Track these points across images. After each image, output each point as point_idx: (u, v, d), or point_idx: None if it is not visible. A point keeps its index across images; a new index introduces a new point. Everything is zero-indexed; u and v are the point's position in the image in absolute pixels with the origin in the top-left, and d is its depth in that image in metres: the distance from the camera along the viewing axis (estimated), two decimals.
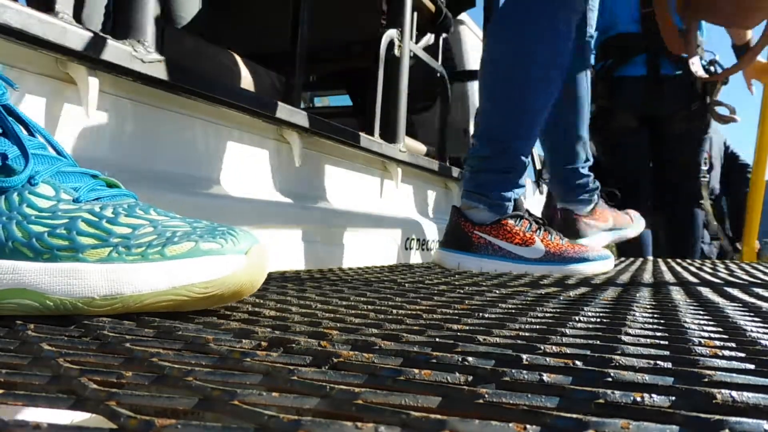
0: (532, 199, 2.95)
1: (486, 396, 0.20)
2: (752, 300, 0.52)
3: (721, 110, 1.72)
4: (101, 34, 0.72)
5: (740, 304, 0.48)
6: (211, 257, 0.34)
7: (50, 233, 0.33)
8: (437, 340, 0.28)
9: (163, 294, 0.33)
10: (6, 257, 0.33)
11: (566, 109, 1.09)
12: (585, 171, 1.14)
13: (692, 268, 1.09)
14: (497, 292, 0.55)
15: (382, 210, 1.30)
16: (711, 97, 1.77)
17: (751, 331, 0.33)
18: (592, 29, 1.10)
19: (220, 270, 0.34)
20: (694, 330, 0.34)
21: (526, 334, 0.31)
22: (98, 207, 0.35)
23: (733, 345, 0.29)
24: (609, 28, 1.89)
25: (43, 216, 0.34)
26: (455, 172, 1.65)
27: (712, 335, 0.32)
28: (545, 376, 0.22)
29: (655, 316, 0.40)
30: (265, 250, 0.37)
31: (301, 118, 1.02)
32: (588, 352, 0.26)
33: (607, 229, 1.19)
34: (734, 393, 0.20)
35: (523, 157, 0.89)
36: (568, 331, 0.32)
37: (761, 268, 1.16)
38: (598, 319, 0.37)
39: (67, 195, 0.35)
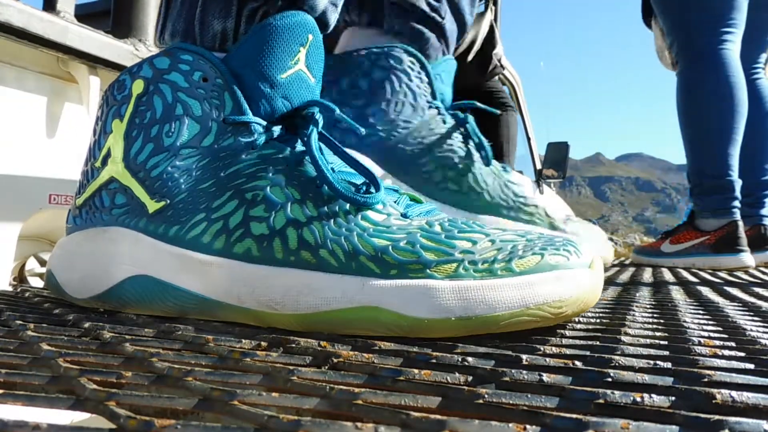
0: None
1: (486, 396, 0.20)
2: (752, 300, 0.52)
3: None
4: (102, 33, 0.72)
5: (740, 304, 0.48)
6: (559, 272, 0.30)
7: (394, 247, 0.30)
8: (437, 340, 0.28)
9: (517, 315, 0.29)
10: (353, 272, 0.30)
11: None
12: None
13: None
14: None
15: None
16: None
17: (751, 330, 0.33)
18: None
19: (571, 286, 0.30)
20: (694, 330, 0.34)
21: (526, 334, 0.31)
22: (425, 222, 0.33)
23: (733, 345, 0.29)
24: None
25: (381, 229, 0.32)
26: None
27: (712, 335, 0.32)
28: (545, 376, 0.22)
29: (655, 316, 0.40)
30: (602, 262, 0.34)
31: None
32: (588, 353, 0.26)
33: None
34: (734, 393, 0.20)
35: None
36: (567, 331, 0.32)
37: (761, 267, 1.16)
38: (598, 319, 0.37)
39: (394, 210, 0.34)
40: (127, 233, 0.36)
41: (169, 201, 0.34)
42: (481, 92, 1.65)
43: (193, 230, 0.33)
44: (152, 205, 0.35)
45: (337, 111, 0.35)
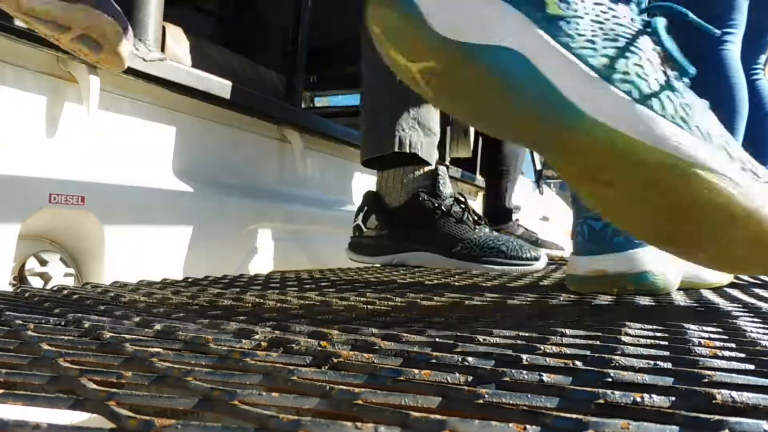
0: (532, 198, 2.95)
1: (486, 396, 0.20)
2: (752, 300, 0.52)
3: None
4: None
5: (740, 305, 0.48)
6: None
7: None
8: (437, 340, 0.28)
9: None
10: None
11: None
12: None
13: None
14: (497, 292, 0.55)
15: None
16: None
17: (751, 331, 0.33)
18: None
19: None
20: (694, 330, 0.34)
21: (526, 334, 0.31)
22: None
23: (733, 345, 0.29)
24: None
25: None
26: (455, 172, 1.65)
27: (712, 335, 0.32)
28: (545, 377, 0.22)
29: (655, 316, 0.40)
30: None
31: (302, 117, 1.02)
32: (588, 353, 0.26)
33: None
34: (734, 393, 0.20)
35: None
36: (568, 331, 0.32)
37: None
38: (598, 320, 0.37)
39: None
40: (518, 16, 0.36)
41: (566, 13, 0.36)
42: None
43: (583, 50, 0.35)
44: (553, 7, 0.36)
45: (690, 15, 0.38)
